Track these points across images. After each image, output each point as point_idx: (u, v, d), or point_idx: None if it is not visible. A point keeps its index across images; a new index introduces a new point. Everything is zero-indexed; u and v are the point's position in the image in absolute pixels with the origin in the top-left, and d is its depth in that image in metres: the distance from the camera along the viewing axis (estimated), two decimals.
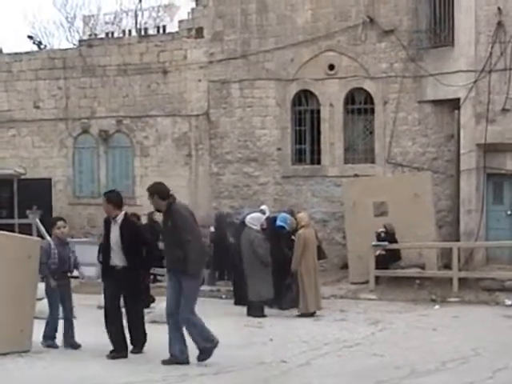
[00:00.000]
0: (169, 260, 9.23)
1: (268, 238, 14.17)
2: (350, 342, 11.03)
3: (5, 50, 24.72)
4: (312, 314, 13.73)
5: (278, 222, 14.92)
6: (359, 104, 20.36)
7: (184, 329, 9.04)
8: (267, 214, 15.41)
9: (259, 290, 13.85)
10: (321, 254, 14.96)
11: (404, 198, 17.79)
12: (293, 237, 14.24)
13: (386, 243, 17.31)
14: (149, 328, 10.02)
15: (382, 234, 17.41)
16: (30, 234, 15.26)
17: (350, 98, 20.33)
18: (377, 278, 17.28)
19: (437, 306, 15.13)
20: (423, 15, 19.22)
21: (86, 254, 19.44)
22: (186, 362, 9.01)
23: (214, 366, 8.87)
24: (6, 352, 9.04)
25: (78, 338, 10.40)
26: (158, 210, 9.39)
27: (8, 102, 24.16)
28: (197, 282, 9.14)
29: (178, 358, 9.01)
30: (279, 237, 14.53)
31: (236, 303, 15.29)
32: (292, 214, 15.72)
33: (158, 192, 9.29)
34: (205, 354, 9.04)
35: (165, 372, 8.59)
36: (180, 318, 8.95)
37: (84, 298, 15.88)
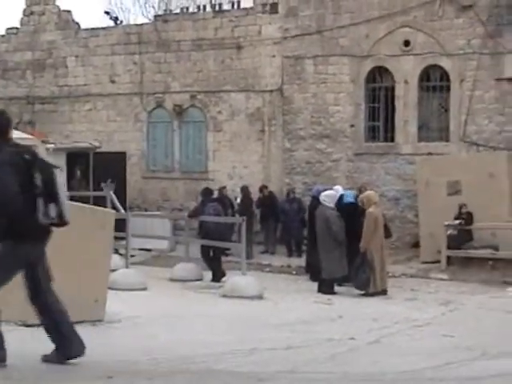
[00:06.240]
0: None
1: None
2: (420, 321, 10.95)
3: (82, 26, 25.06)
4: (383, 293, 13.69)
5: (349, 199, 14.87)
6: (435, 81, 20.01)
7: None
8: (340, 193, 15.36)
9: (332, 267, 13.86)
10: (386, 233, 14.84)
11: (478, 177, 17.49)
12: None
13: (459, 221, 17.12)
14: (219, 302, 10.07)
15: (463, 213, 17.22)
16: (105, 207, 15.53)
17: (426, 75, 20.01)
18: (448, 258, 17.10)
19: (510, 289, 14.87)
20: None
21: (158, 228, 19.89)
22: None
23: (284, 341, 8.90)
24: (81, 320, 9.23)
25: (149, 309, 10.59)
26: None
27: (84, 76, 24.55)
28: None
29: None
30: (349, 213, 14.46)
31: (311, 279, 15.34)
32: (362, 191, 15.70)
33: None
34: None
35: (237, 344, 8.48)
36: None
37: (157, 270, 16.20)
